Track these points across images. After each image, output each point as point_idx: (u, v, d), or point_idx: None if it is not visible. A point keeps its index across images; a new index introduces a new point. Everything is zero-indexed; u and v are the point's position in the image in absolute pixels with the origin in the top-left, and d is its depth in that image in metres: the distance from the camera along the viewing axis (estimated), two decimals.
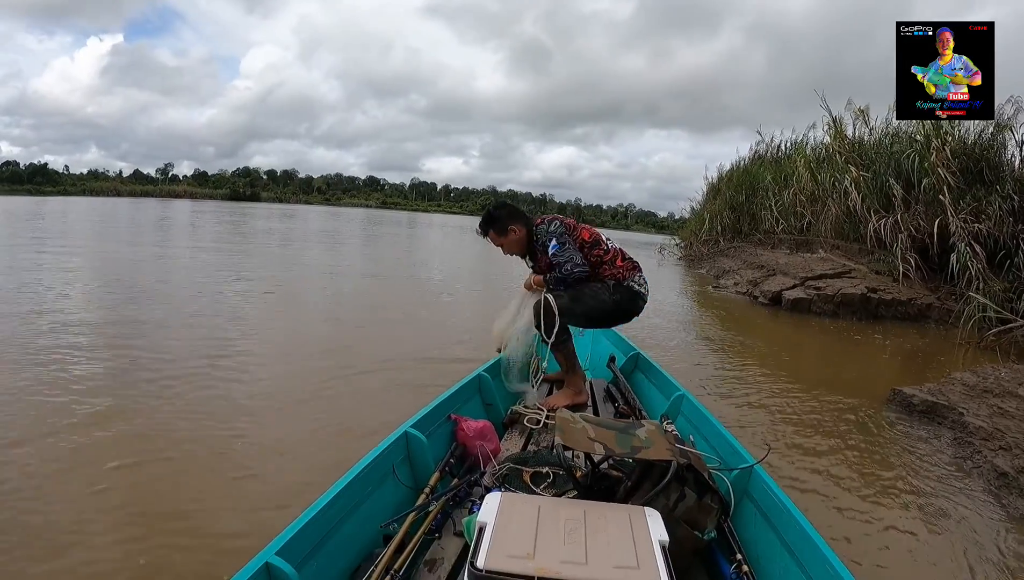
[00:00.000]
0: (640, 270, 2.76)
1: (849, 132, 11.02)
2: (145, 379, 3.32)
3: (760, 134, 15.99)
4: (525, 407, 2.47)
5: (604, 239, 2.75)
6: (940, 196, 7.85)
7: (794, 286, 8.37)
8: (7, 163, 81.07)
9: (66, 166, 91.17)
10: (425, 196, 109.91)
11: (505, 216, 2.75)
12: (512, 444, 2.21)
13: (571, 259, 2.59)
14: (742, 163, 16.34)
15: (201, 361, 3.71)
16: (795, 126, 21.80)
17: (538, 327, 2.61)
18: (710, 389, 3.92)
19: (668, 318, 6.71)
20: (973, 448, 3.00)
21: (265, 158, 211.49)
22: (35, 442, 2.43)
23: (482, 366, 2.64)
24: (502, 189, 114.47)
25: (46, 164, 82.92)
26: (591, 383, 2.91)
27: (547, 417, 2.36)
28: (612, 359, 3.15)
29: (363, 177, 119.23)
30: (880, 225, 8.76)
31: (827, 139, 11.64)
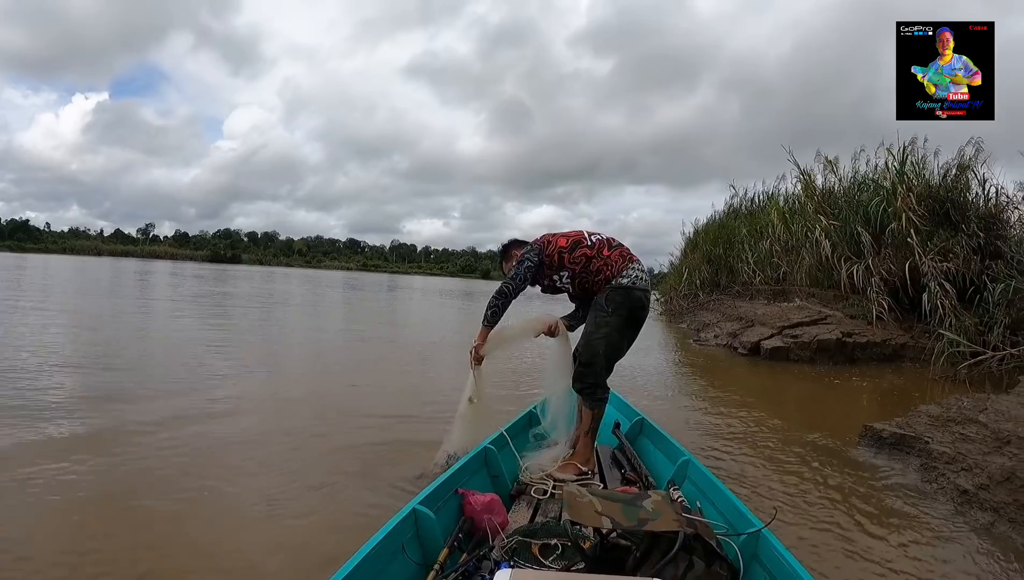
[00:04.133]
0: (632, 259, 2.74)
1: (819, 182, 11.44)
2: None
3: (734, 188, 16.48)
4: (531, 478, 2.49)
5: (587, 235, 2.79)
6: (908, 239, 8.15)
7: (772, 335, 8.53)
8: None
9: (47, 223, 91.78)
10: (406, 258, 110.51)
11: (510, 245, 3.01)
12: (520, 516, 2.20)
13: (514, 274, 2.74)
14: (717, 217, 16.76)
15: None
16: (770, 175, 22.44)
17: (582, 389, 2.70)
18: (698, 446, 3.94)
19: (653, 376, 6.75)
20: (938, 472, 3.32)
21: (247, 219, 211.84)
22: None
23: (488, 438, 2.65)
24: (482, 249, 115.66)
25: (27, 220, 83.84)
26: (597, 449, 2.92)
27: (554, 487, 2.37)
28: (617, 425, 3.15)
29: (344, 239, 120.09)
30: (852, 271, 9.01)
31: (798, 189, 12.08)
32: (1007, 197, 8.30)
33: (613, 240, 2.81)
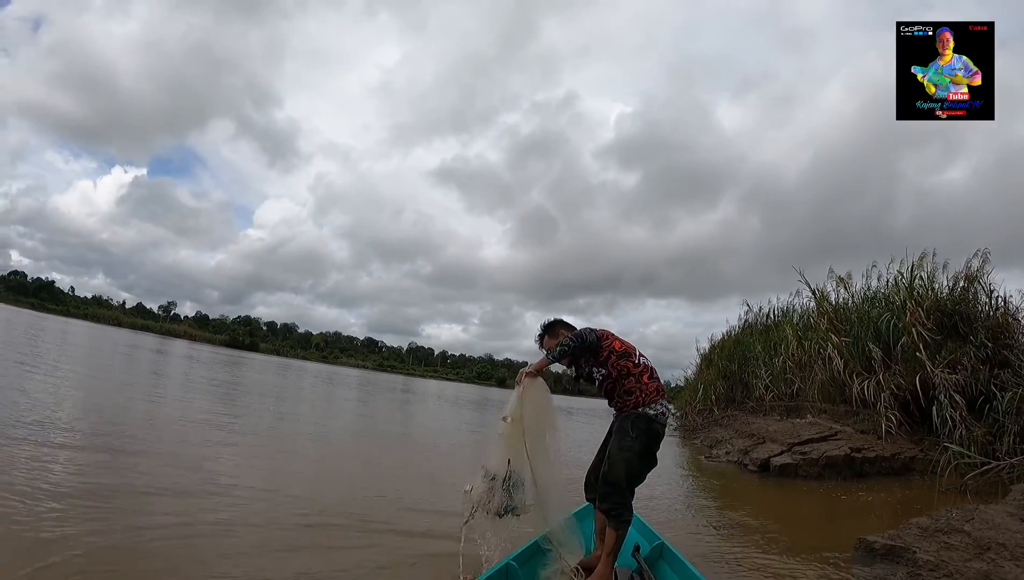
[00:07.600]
0: (663, 395, 2.97)
1: (832, 298, 11.62)
2: None
3: (748, 305, 16.70)
4: None
5: (637, 354, 3.01)
6: (918, 353, 8.18)
7: (781, 452, 8.52)
8: (14, 273, 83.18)
9: (72, 287, 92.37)
10: (422, 361, 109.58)
11: (557, 324, 3.25)
12: None
13: (579, 334, 2.93)
14: (733, 333, 16.83)
15: None
16: (788, 286, 22.34)
17: (609, 509, 2.78)
18: (707, 566, 3.88)
19: (664, 493, 6.58)
20: (922, 578, 3.55)
21: (267, 309, 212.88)
22: None
23: (511, 555, 2.72)
24: (499, 357, 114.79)
25: (53, 281, 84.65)
26: (616, 571, 2.91)
27: None
28: (637, 548, 3.13)
29: (361, 337, 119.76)
30: (863, 386, 8.98)
31: (812, 305, 12.26)
32: (1014, 307, 8.44)
33: (655, 371, 3.04)
